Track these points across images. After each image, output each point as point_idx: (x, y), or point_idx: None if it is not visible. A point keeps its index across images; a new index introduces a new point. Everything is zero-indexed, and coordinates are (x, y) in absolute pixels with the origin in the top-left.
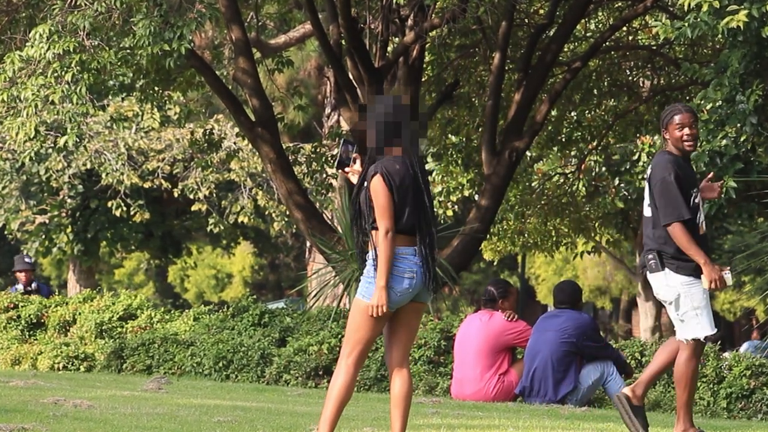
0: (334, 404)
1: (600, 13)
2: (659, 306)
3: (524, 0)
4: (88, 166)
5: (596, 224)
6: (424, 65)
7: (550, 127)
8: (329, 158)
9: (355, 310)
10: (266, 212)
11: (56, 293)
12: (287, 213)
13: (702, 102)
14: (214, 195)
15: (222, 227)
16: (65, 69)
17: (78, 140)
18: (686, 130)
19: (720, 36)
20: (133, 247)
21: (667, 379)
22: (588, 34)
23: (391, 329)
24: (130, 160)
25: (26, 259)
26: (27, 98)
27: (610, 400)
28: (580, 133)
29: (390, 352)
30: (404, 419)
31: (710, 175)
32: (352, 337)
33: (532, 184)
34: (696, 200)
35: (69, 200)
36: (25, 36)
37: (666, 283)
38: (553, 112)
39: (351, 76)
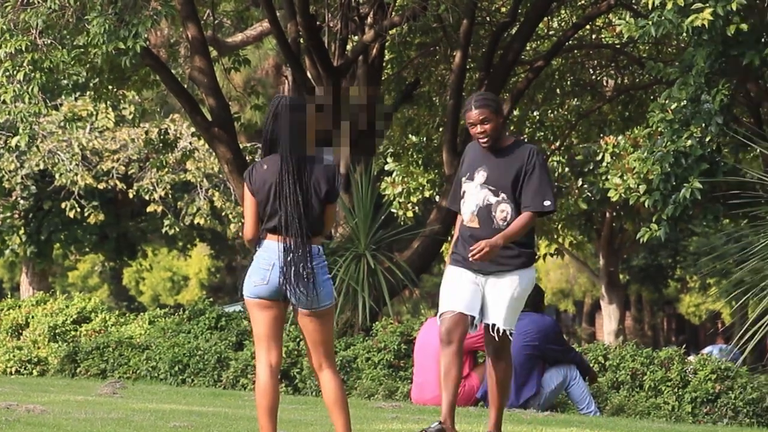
0: (259, 410)
1: (563, 11)
2: (623, 309)
3: None
4: (42, 166)
5: (559, 226)
6: (384, 64)
7: (512, 127)
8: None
9: None
10: (223, 213)
11: (8, 296)
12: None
13: (667, 101)
14: (170, 196)
15: (178, 229)
16: (17, 68)
17: (30, 140)
18: (477, 128)
19: (685, 34)
20: (87, 249)
21: (631, 383)
22: (551, 33)
23: (302, 336)
24: (84, 161)
25: None
26: None
27: (572, 405)
28: (542, 133)
29: (309, 358)
30: (345, 420)
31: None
32: (254, 336)
33: None
34: (462, 189)
35: (22, 201)
36: None
37: (445, 274)
38: (516, 112)
39: (309, 75)
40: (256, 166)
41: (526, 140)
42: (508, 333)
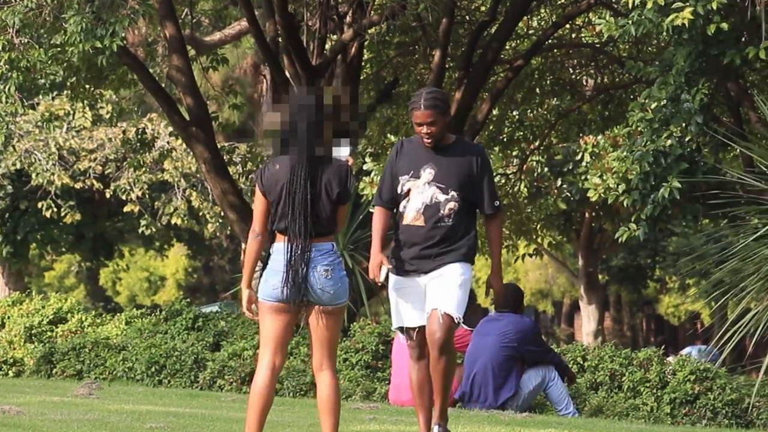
0: (253, 410)
1: (543, 10)
2: (602, 310)
3: None
4: (18, 166)
5: (538, 226)
6: (363, 63)
7: (491, 127)
8: (265, 158)
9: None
10: (200, 213)
11: None
12: (222, 214)
13: (646, 101)
14: (147, 196)
15: (155, 229)
16: None
17: (6, 140)
18: (423, 128)
19: (665, 34)
20: (63, 249)
21: (610, 384)
22: (530, 32)
23: (309, 333)
24: (60, 160)
25: None
26: None
27: (551, 406)
28: (522, 133)
29: (311, 357)
30: (333, 423)
31: None
32: (260, 337)
33: None
34: (405, 187)
35: None
36: None
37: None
38: (495, 111)
39: (288, 75)
40: (269, 166)
41: (470, 139)
42: (456, 319)
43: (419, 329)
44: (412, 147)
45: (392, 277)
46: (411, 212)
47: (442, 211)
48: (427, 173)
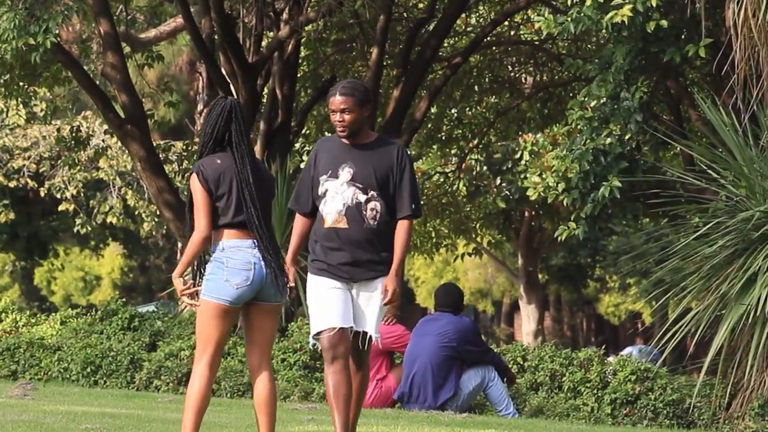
0: (192, 411)
1: (481, 7)
2: (542, 309)
3: None
4: None
5: (477, 225)
6: (300, 60)
7: (429, 125)
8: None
9: (199, 310)
10: (136, 212)
11: None
12: (157, 213)
13: (586, 99)
14: (82, 194)
15: (90, 228)
16: None
17: None
18: (337, 116)
19: (604, 31)
20: None
21: (551, 385)
22: (469, 29)
23: (246, 332)
24: None
25: None
26: None
27: (491, 407)
28: (460, 131)
29: (248, 356)
30: (270, 424)
31: None
32: (200, 338)
33: None
34: (323, 188)
35: None
36: None
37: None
38: (433, 109)
39: (224, 72)
40: (206, 161)
41: (393, 139)
42: (376, 341)
43: (340, 330)
44: (331, 146)
45: (317, 279)
46: (332, 214)
47: (365, 213)
48: (346, 172)
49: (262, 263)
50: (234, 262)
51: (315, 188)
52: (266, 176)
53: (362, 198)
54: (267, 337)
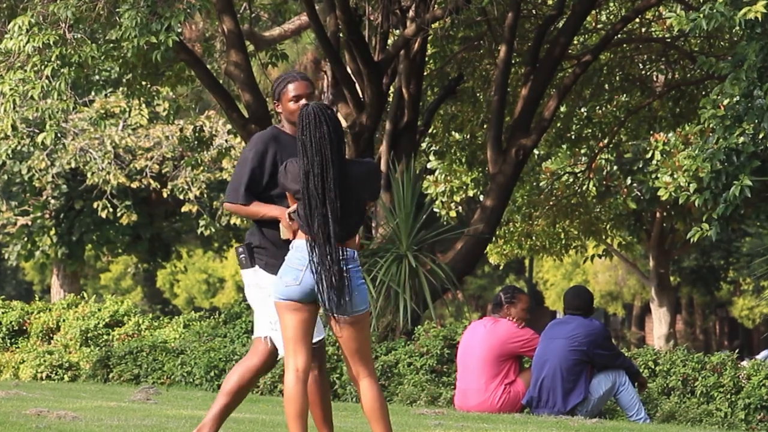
0: (289, 416)
1: (611, 4)
2: (674, 312)
3: None
4: (73, 165)
5: (607, 226)
6: (426, 59)
7: (558, 124)
8: None
9: None
10: None
11: (38, 299)
12: None
13: (718, 97)
14: (205, 195)
15: (213, 229)
16: (45, 63)
17: (57, 137)
18: (302, 102)
19: (737, 28)
20: (119, 251)
21: (683, 389)
22: (599, 26)
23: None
24: (116, 159)
25: None
26: (5, 93)
27: (621, 412)
28: (590, 130)
29: (347, 369)
30: (385, 429)
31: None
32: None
33: (540, 184)
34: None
35: (53, 201)
36: (4, 28)
37: (255, 281)
38: (562, 108)
39: (349, 70)
40: (292, 160)
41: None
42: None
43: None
44: (284, 139)
45: (268, 277)
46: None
47: None
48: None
49: (316, 277)
50: (290, 261)
51: (262, 181)
52: (356, 177)
53: None
54: (350, 349)
